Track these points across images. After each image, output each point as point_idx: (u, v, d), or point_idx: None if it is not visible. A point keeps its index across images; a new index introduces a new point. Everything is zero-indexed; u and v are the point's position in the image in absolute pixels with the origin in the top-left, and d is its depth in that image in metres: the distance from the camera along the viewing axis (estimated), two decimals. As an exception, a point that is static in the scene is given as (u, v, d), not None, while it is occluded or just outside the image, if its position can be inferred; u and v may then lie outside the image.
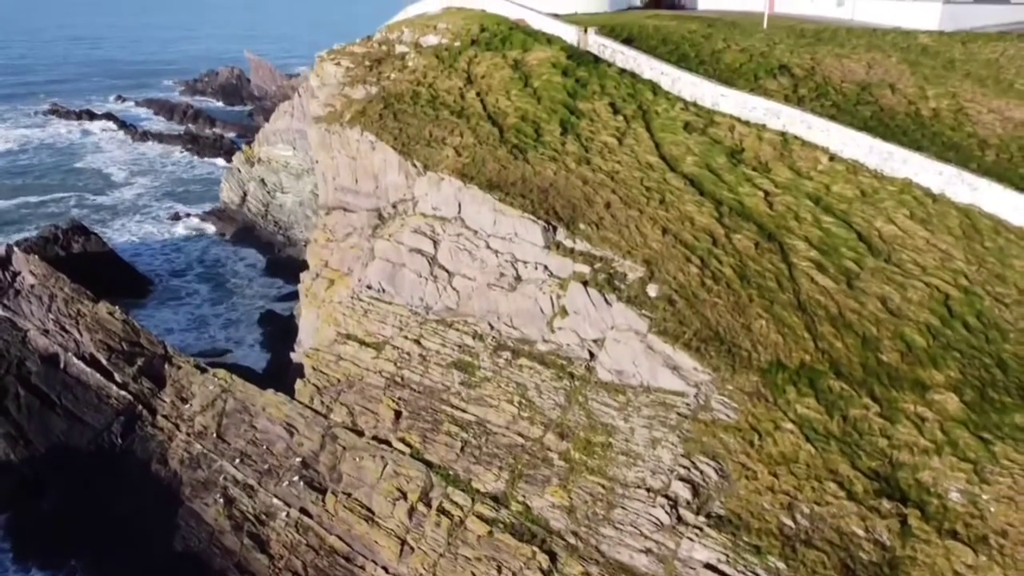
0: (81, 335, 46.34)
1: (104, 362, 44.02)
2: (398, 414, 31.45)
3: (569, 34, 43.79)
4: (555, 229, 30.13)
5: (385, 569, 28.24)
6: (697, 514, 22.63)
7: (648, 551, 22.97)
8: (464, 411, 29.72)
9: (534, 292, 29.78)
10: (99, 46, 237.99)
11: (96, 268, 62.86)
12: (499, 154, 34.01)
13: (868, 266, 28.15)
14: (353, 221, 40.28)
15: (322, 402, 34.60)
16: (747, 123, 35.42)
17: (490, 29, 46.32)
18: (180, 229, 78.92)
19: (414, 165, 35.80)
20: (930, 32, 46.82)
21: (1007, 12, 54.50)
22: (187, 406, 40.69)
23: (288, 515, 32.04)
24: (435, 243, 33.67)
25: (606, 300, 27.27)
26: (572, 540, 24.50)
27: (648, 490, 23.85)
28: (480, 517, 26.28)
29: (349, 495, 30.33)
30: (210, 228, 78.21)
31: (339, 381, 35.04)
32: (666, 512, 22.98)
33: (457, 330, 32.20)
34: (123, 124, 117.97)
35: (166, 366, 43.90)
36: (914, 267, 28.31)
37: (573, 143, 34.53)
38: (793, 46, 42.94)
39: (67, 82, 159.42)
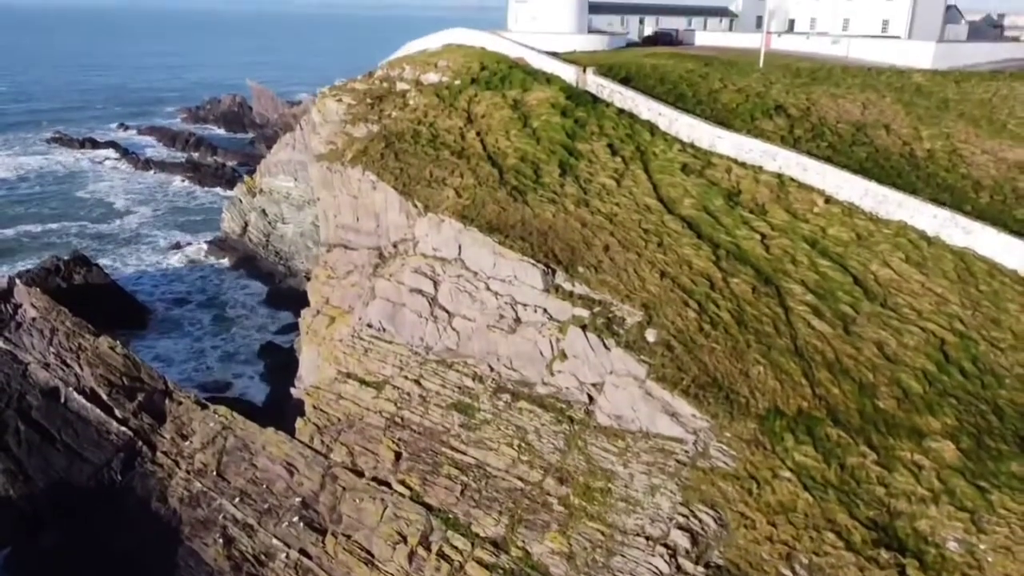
0: (82, 369, 46.48)
1: (105, 397, 44.13)
2: (398, 455, 31.55)
3: (568, 73, 44.41)
4: (554, 272, 30.43)
5: (385, 613, 28.24)
6: (696, 563, 22.72)
7: (647, 600, 23.02)
8: (464, 453, 29.84)
9: (534, 335, 30.02)
10: (103, 73, 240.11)
11: (97, 298, 63.15)
12: (499, 196, 34.40)
13: (864, 310, 28.43)
14: (354, 259, 40.61)
15: (322, 441, 34.69)
16: (744, 165, 35.87)
17: (490, 67, 46.96)
18: (181, 258, 79.22)
19: (415, 205, 36.19)
20: (924, 71, 47.48)
21: (1000, 49, 55.41)
22: (187, 443, 40.75)
23: (288, 556, 32.04)
24: (435, 284, 33.96)
25: (605, 345, 27.50)
26: (572, 587, 24.55)
27: (647, 538, 23.94)
28: (480, 562, 26.34)
29: (349, 537, 30.36)
30: (211, 258, 78.53)
31: (339, 420, 35.17)
32: (665, 561, 23.07)
33: (457, 371, 32.40)
34: (125, 152, 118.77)
35: (167, 401, 44.02)
36: (910, 311, 28.59)
37: (572, 185, 34.95)
38: (789, 85, 43.54)
39: (71, 110, 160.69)
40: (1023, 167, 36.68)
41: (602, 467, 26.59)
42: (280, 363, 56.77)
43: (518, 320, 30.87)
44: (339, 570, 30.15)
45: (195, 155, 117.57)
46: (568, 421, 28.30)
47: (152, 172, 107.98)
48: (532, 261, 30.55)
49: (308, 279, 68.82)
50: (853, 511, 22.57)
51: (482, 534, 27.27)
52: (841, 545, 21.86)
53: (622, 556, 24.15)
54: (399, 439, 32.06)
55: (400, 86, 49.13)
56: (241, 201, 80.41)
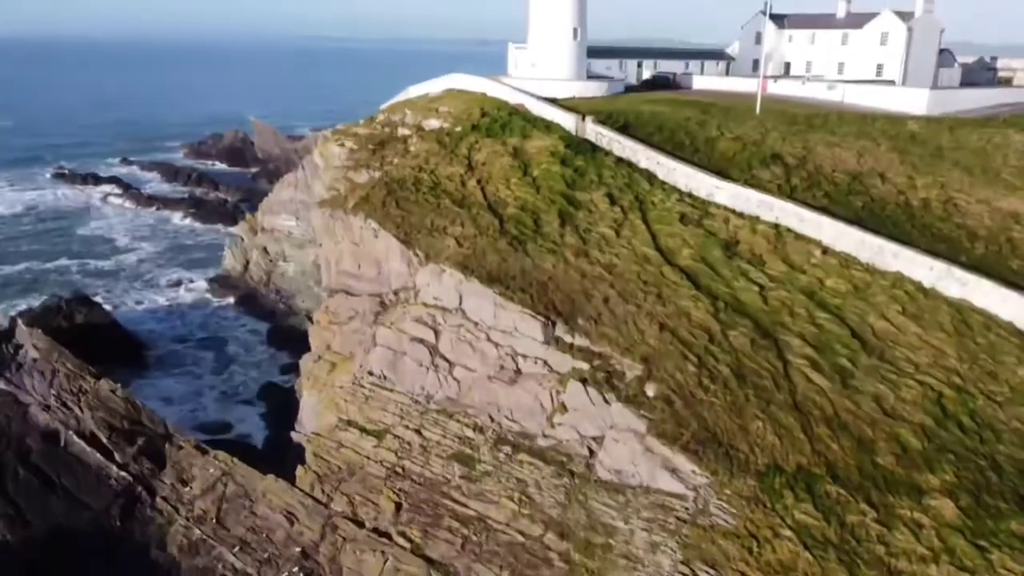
0: (82, 412, 46.52)
1: (105, 441, 44.12)
2: (399, 506, 31.58)
3: (567, 121, 45.11)
4: (554, 324, 30.72)
5: (384, 669, 28.06)
6: (697, 624, 22.69)
7: (649, 660, 22.95)
8: (465, 506, 29.88)
9: (534, 387, 30.22)
10: (107, 106, 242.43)
11: (98, 337, 63.32)
12: (499, 246, 34.81)
13: (862, 364, 28.66)
14: (355, 305, 40.90)
15: (323, 490, 34.71)
16: (741, 215, 36.35)
17: (491, 114, 47.70)
18: (182, 295, 79.44)
19: (416, 254, 36.57)
20: (918, 117, 48.20)
21: (993, 95, 56.28)
22: (187, 489, 40.68)
23: (287, 608, 31.91)
24: (436, 333, 34.22)
25: (605, 399, 27.70)
26: (572, 646, 24.47)
27: (648, 596, 23.93)
28: (480, 619, 26.27)
29: (349, 590, 30.27)
30: (212, 295, 78.77)
31: (340, 469, 35.22)
32: (666, 621, 23.05)
33: (458, 421, 32.53)
34: (128, 188, 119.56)
35: (167, 446, 44.01)
36: (908, 365, 28.83)
37: (571, 235, 35.37)
38: (785, 133, 44.20)
39: (74, 145, 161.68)
40: (1017, 216, 37.17)
41: (603, 522, 26.64)
42: (280, 404, 56.75)
43: (519, 371, 31.08)
44: (339, 624, 30.03)
45: (197, 191, 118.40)
46: (569, 475, 28.39)
47: (154, 208, 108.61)
48: (532, 313, 30.85)
49: (309, 318, 69.16)
50: (854, 571, 22.60)
51: (483, 589, 27.22)
52: (842, 606, 21.87)
53: (623, 615, 24.12)
54: (400, 489, 32.09)
55: (402, 131, 49.86)
56: (243, 239, 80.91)
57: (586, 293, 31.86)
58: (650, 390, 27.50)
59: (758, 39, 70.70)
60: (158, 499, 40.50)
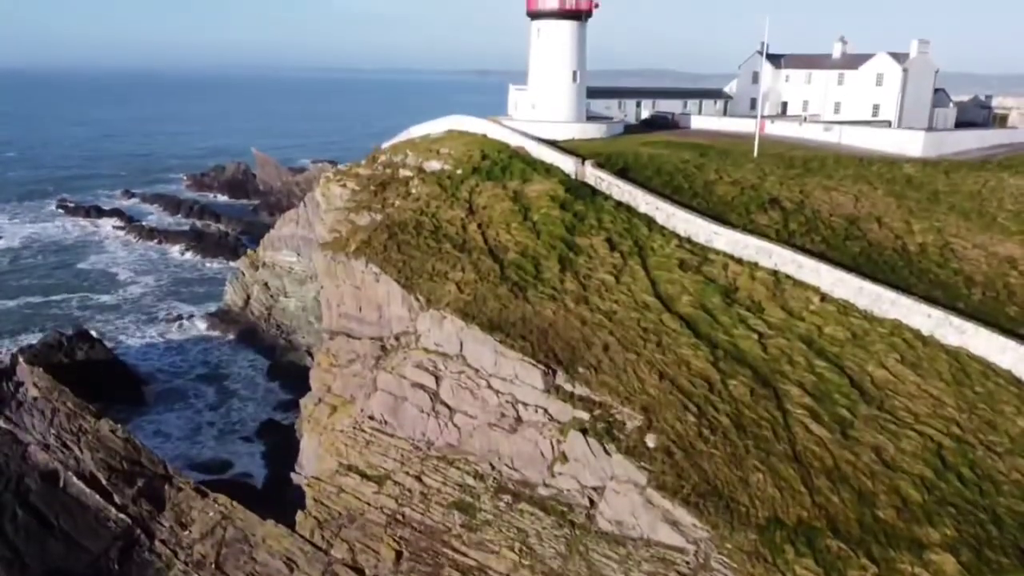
0: (82, 452, 46.48)
1: (104, 482, 44.04)
2: (399, 554, 31.49)
3: (567, 165, 45.58)
4: (555, 372, 30.87)
5: None
6: None
7: None
8: (465, 555, 29.82)
9: (535, 435, 30.30)
10: (109, 138, 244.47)
11: (99, 373, 63.52)
12: (500, 292, 35.05)
13: (861, 414, 28.76)
14: (356, 348, 41.07)
15: (323, 536, 34.63)
16: (740, 261, 36.63)
17: (491, 156, 48.21)
18: (183, 330, 79.62)
19: (417, 299, 36.80)
20: (914, 160, 48.74)
21: (988, 136, 56.97)
22: (186, 532, 40.57)
23: (286, 659, 31.70)
24: (437, 379, 34.35)
25: (605, 450, 27.77)
26: None
27: (649, 653, 23.82)
28: (481, 673, 26.11)
29: (348, 641, 30.10)
30: (213, 330, 78.96)
31: (340, 514, 35.17)
32: None
33: (458, 468, 32.54)
34: (130, 220, 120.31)
35: (166, 487, 43.93)
36: (907, 414, 28.92)
37: (571, 281, 35.64)
38: (783, 177, 44.66)
39: (76, 178, 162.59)
40: (1014, 262, 37.48)
41: (603, 574, 26.57)
42: (280, 442, 56.69)
43: (519, 419, 31.17)
44: (338, 675, 29.82)
45: (199, 223, 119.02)
46: (569, 525, 28.37)
47: (155, 241, 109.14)
48: (533, 361, 31.01)
49: (309, 354, 69.38)
50: (855, 628, 22.54)
51: (483, 642, 27.09)
52: (844, 665, 21.78)
53: (624, 671, 23.99)
54: (400, 537, 32.03)
55: (403, 173, 50.33)
56: (244, 274, 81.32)
57: (586, 341, 32.05)
58: (650, 441, 27.58)
59: (755, 78, 71.77)
60: (157, 542, 40.37)
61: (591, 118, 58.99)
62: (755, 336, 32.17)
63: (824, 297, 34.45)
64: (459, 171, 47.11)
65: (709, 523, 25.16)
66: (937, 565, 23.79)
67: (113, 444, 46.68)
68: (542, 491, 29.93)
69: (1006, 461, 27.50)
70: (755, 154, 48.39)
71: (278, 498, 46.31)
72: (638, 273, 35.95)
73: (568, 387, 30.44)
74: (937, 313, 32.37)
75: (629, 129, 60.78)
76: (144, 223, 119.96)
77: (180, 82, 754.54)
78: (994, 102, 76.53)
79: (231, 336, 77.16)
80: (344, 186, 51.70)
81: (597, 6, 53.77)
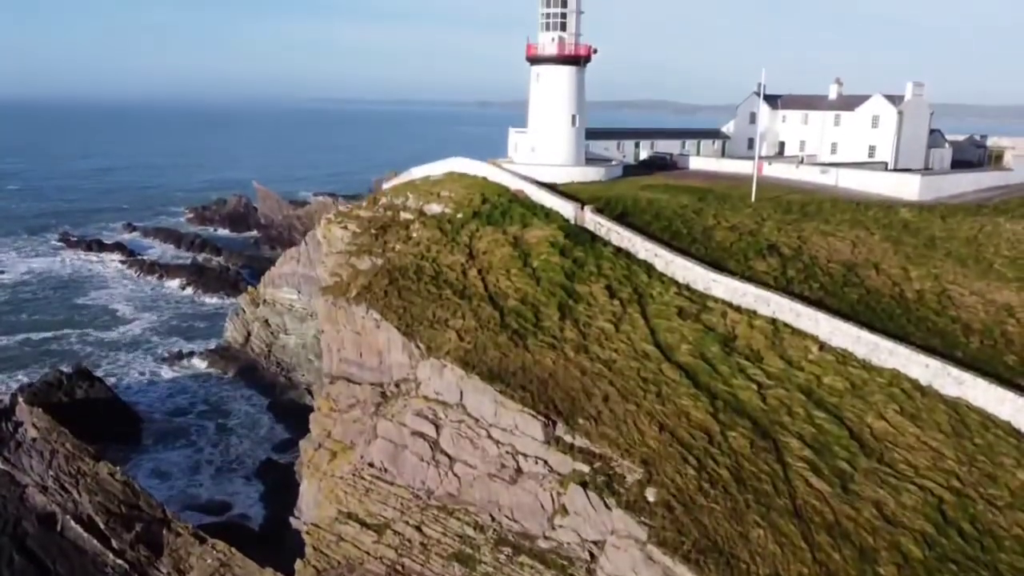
0: (80, 496, 46.34)
1: (102, 526, 43.88)
2: (398, 607, 31.28)
3: (567, 210, 45.97)
4: (555, 424, 30.92)
5: None
6: None
7: None
8: (465, 609, 29.62)
9: (535, 487, 30.27)
10: (112, 170, 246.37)
11: (98, 412, 63.55)
12: (500, 340, 35.21)
13: (861, 467, 28.76)
14: (357, 393, 41.14)
15: (321, 587, 34.40)
16: (739, 309, 36.81)
17: (491, 200, 48.62)
18: (183, 367, 79.61)
19: (417, 346, 36.95)
20: (911, 204, 49.14)
21: (984, 178, 57.48)
22: (184, 580, 40.32)
23: None
24: (437, 428, 34.38)
25: (606, 504, 27.75)
26: None
27: None
28: None
29: None
30: (213, 367, 78.95)
31: (339, 564, 34.97)
32: None
33: (458, 519, 32.45)
34: (131, 254, 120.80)
35: (164, 532, 43.75)
36: (907, 467, 28.91)
37: (571, 329, 35.81)
38: (780, 222, 45.00)
39: (79, 211, 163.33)
40: (1011, 309, 37.65)
41: (604, 631, 26.41)
42: (279, 483, 56.49)
43: (519, 471, 31.16)
44: None
45: (200, 257, 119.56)
46: (570, 580, 28.25)
47: (156, 276, 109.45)
48: (533, 412, 31.08)
49: (309, 392, 69.41)
50: None
51: None
52: None
53: None
54: (399, 589, 31.83)
55: (404, 216, 50.75)
56: (244, 310, 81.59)
57: (586, 391, 32.14)
58: (650, 495, 27.56)
59: (752, 119, 72.59)
60: (154, 590, 40.11)
61: (590, 159, 59.53)
62: (754, 386, 32.25)
63: (822, 346, 34.58)
64: (459, 215, 47.51)
65: (710, 581, 25.05)
66: (939, 624, 23.68)
67: (112, 487, 46.55)
68: (542, 544, 29.83)
69: (1007, 516, 27.45)
70: (753, 198, 48.78)
71: (277, 542, 46.11)
72: (637, 321, 36.12)
73: (568, 438, 30.47)
74: (935, 363, 32.48)
75: (628, 170, 61.25)
76: (145, 257, 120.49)
77: (182, 113, 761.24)
78: (989, 141, 77.24)
79: (231, 373, 77.19)
80: (345, 228, 52.11)
81: (595, 52, 54.55)
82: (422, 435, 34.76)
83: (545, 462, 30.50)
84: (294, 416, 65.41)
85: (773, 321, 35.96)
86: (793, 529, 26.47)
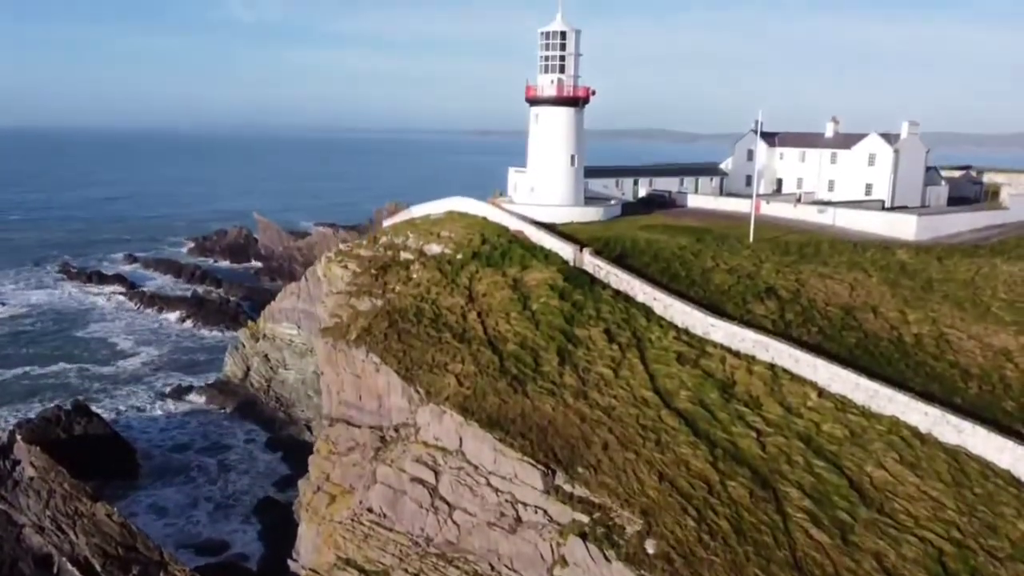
0: (77, 537, 46.12)
1: (98, 568, 43.62)
2: (396, 658, 31.02)
3: (566, 251, 46.24)
4: (554, 473, 30.88)
5: None
6: None
7: None
8: (464, 662, 29.38)
9: (534, 537, 30.16)
10: (113, 200, 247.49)
11: (97, 448, 63.32)
12: (499, 386, 35.27)
13: (861, 517, 28.69)
14: (356, 436, 41.10)
15: (319, 635, 34.12)
16: (737, 354, 36.90)
17: (491, 240, 48.93)
18: (182, 402, 79.40)
19: (417, 391, 37.00)
20: (908, 244, 49.43)
21: (980, 218, 57.83)
22: (180, 625, 40.00)
23: None
24: (436, 474, 34.32)
25: (605, 556, 27.63)
26: None
27: None
28: None
29: None
30: (212, 402, 78.74)
31: (337, 611, 34.72)
32: None
33: (457, 567, 32.29)
34: (131, 286, 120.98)
35: (162, 574, 43.45)
36: (907, 518, 28.84)
37: (570, 374, 35.88)
38: (778, 264, 45.23)
39: (79, 244, 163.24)
40: (1008, 354, 37.76)
41: None
42: (277, 522, 56.14)
43: (519, 520, 31.07)
44: None
45: (200, 289, 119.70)
46: (569, 633, 28.05)
47: (156, 308, 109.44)
48: (532, 461, 31.07)
49: (308, 428, 69.21)
50: None
51: None
52: None
53: None
54: (397, 639, 31.58)
55: (404, 255, 51.03)
56: (244, 345, 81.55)
57: (586, 439, 32.15)
58: (650, 547, 27.47)
59: (750, 156, 73.16)
60: (150, 637, 39.75)
61: (589, 198, 59.97)
62: (753, 434, 32.26)
63: (821, 392, 34.63)
64: (459, 256, 47.78)
65: (710, 637, 24.91)
66: None
67: (109, 528, 46.33)
68: (542, 595, 29.67)
69: (1008, 567, 27.34)
70: (751, 239, 49.08)
71: (274, 584, 45.80)
72: (636, 367, 36.21)
73: (568, 488, 30.43)
74: (934, 411, 32.51)
75: (627, 208, 61.67)
76: (145, 289, 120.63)
77: (185, 143, 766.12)
78: (985, 177, 77.85)
79: (230, 408, 76.98)
80: (345, 267, 52.38)
81: (594, 93, 55.21)
82: (421, 481, 34.68)
83: (545, 511, 30.42)
84: (293, 452, 65.22)
85: (772, 367, 36.04)
86: (793, 583, 26.34)
